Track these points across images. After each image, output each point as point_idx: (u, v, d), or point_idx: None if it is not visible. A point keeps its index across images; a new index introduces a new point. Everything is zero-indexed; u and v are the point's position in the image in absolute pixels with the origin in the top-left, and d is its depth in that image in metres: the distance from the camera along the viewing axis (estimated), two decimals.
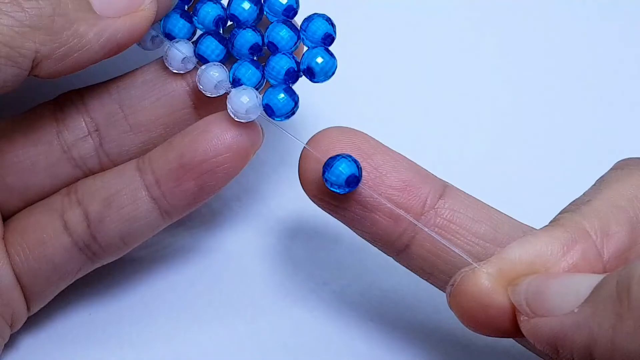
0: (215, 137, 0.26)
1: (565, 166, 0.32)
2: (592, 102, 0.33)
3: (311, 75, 0.26)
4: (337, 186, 0.24)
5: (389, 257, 0.26)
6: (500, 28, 0.34)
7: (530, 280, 0.21)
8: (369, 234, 0.26)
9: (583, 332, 0.20)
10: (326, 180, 0.25)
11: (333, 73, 0.26)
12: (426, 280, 0.26)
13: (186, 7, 0.28)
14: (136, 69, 0.28)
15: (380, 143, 0.26)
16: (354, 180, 0.24)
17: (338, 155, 0.24)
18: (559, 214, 0.23)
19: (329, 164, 0.24)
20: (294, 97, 0.26)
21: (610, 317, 0.19)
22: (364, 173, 0.24)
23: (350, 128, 0.26)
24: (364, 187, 0.25)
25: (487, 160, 0.32)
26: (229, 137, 0.26)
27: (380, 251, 0.26)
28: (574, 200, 0.23)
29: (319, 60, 0.26)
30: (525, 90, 0.33)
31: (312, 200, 0.26)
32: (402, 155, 0.26)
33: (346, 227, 0.26)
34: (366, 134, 0.26)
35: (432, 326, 0.30)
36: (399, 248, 0.26)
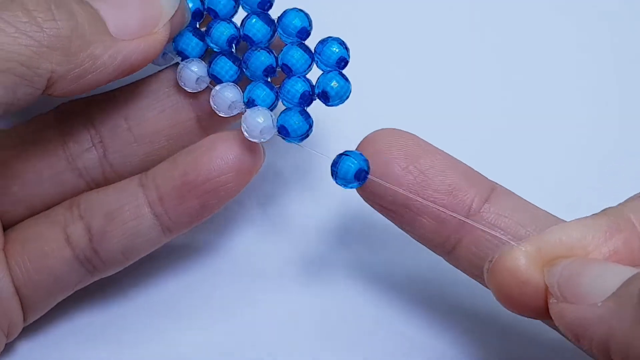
0: (219, 157, 0.26)
1: (578, 166, 0.32)
2: (607, 102, 0.33)
3: (326, 99, 0.26)
4: (345, 181, 0.25)
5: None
6: (510, 30, 0.34)
7: (566, 264, 0.21)
8: (416, 236, 0.26)
9: (603, 327, 0.20)
10: (334, 175, 0.25)
11: (347, 97, 0.26)
12: (476, 280, 0.26)
13: (197, 24, 0.28)
14: (141, 79, 0.28)
15: (430, 145, 0.26)
16: (363, 176, 0.25)
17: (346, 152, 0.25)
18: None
19: (336, 161, 0.25)
20: (308, 119, 0.26)
21: (630, 318, 0.19)
22: (410, 177, 0.25)
23: (400, 130, 0.26)
24: (408, 192, 0.25)
25: (497, 160, 0.32)
26: (232, 157, 0.26)
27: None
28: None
29: (334, 84, 0.26)
30: (536, 88, 0.33)
31: (364, 199, 0.26)
32: (451, 157, 0.26)
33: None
34: (416, 136, 0.26)
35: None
36: (446, 249, 0.26)
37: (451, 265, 0.27)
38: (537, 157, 0.32)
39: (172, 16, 0.26)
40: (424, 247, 0.26)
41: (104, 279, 0.28)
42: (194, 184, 0.26)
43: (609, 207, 0.23)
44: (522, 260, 0.22)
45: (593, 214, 0.23)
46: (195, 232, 0.30)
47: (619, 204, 0.23)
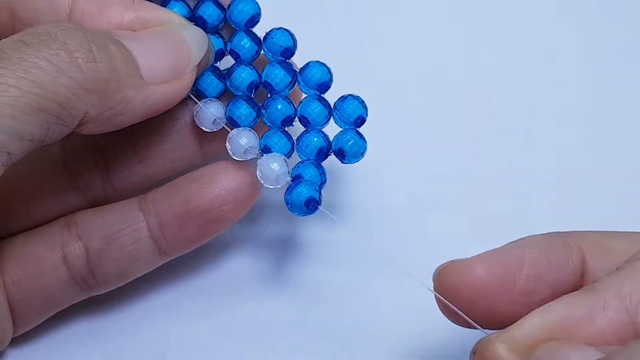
0: (222, 187, 0.27)
1: (579, 172, 0.33)
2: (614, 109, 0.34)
3: (342, 156, 0.27)
4: (297, 209, 0.26)
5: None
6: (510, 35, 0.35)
7: (543, 350, 0.21)
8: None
9: None
10: (287, 203, 0.26)
11: (363, 155, 0.27)
12: None
13: (218, 63, 0.28)
14: None
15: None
16: (314, 205, 0.26)
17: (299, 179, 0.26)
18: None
19: (290, 188, 0.26)
20: (323, 175, 0.27)
21: None
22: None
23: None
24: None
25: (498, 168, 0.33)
26: (234, 187, 0.27)
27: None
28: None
29: (352, 143, 0.27)
30: (538, 95, 0.34)
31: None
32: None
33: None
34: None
35: None
36: None
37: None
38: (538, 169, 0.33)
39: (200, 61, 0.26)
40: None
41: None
42: (195, 213, 0.27)
43: (593, 284, 0.23)
44: (500, 354, 0.22)
45: (577, 292, 0.23)
46: None
47: (604, 277, 0.23)
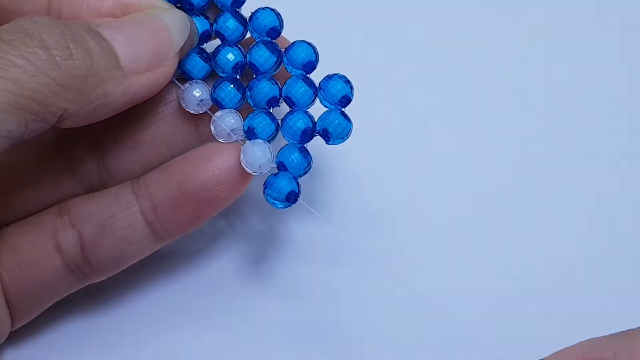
0: (216, 167, 0.27)
1: (573, 173, 0.32)
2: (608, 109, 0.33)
3: (326, 137, 0.27)
4: (278, 201, 0.26)
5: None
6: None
7: None
8: None
9: None
10: (267, 196, 0.26)
11: (348, 136, 0.27)
12: None
13: (204, 44, 0.28)
14: None
15: None
16: (293, 197, 0.26)
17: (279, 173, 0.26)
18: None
19: (269, 182, 0.26)
20: (307, 157, 0.26)
21: None
22: None
23: None
24: None
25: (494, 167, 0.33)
26: (228, 168, 0.27)
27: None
28: None
29: (335, 123, 0.26)
30: (533, 94, 0.34)
31: None
32: None
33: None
34: None
35: None
36: None
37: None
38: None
39: (182, 46, 0.26)
40: None
41: (93, 286, 0.29)
42: (190, 194, 0.27)
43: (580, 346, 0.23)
44: None
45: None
46: (186, 240, 0.31)
47: (598, 339, 0.23)
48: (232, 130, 0.26)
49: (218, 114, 0.27)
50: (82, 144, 0.28)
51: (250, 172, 0.26)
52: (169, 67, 0.25)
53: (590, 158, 0.32)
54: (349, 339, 0.30)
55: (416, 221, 0.32)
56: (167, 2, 0.26)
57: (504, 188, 0.32)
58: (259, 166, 0.26)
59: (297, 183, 0.26)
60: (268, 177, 0.26)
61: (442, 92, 0.33)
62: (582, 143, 0.33)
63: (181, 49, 0.26)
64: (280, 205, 0.26)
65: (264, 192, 0.26)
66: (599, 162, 0.32)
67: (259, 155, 0.26)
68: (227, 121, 0.26)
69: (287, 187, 0.26)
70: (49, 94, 0.22)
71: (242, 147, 0.26)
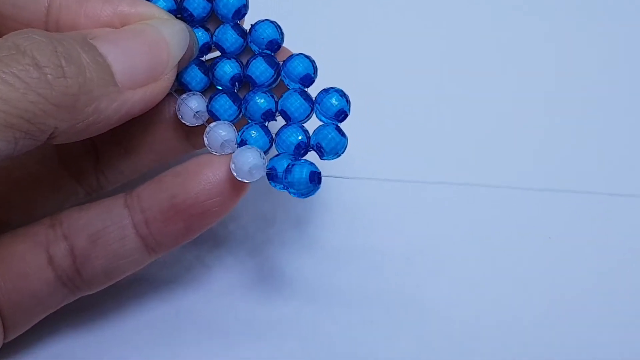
0: (207, 180, 0.26)
1: (567, 169, 0.32)
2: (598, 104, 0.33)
3: (320, 152, 0.26)
4: (304, 187, 0.25)
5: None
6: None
7: None
8: None
9: None
10: (289, 186, 0.25)
11: (343, 151, 0.26)
12: None
13: (204, 56, 0.27)
14: None
15: None
16: (318, 177, 0.25)
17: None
18: None
19: (288, 170, 0.25)
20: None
21: None
22: None
23: None
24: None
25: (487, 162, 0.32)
26: (220, 181, 0.26)
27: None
28: None
29: (329, 138, 0.26)
30: (526, 92, 0.33)
31: None
32: None
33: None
34: None
35: None
36: None
37: None
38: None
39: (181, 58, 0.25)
40: None
41: (86, 303, 0.29)
42: (181, 207, 0.26)
43: None
44: None
45: None
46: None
47: None
48: (224, 142, 0.26)
49: (212, 125, 0.26)
50: (79, 149, 0.28)
51: (241, 179, 0.25)
52: (166, 81, 0.25)
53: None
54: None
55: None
56: (167, 13, 0.26)
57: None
58: (249, 170, 0.25)
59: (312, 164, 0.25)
60: (272, 167, 0.25)
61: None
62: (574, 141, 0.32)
63: (181, 60, 0.25)
64: (306, 193, 0.25)
65: (282, 185, 0.25)
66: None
67: (249, 160, 0.25)
68: (220, 133, 0.26)
69: (308, 169, 0.25)
70: (39, 113, 0.22)
71: (232, 154, 0.26)
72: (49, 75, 0.22)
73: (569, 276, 0.31)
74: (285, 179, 0.25)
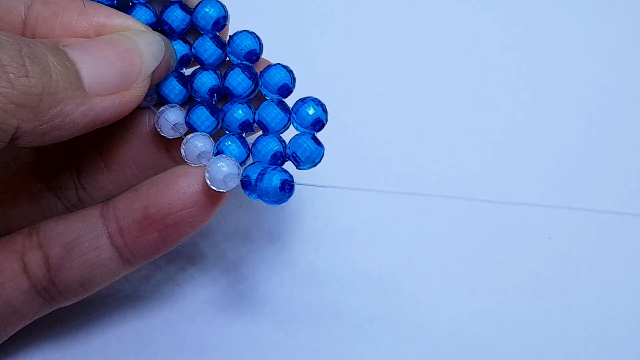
0: (181, 191, 0.26)
1: (570, 176, 0.32)
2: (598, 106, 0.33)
3: (296, 162, 0.26)
4: (273, 196, 0.24)
5: None
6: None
7: None
8: None
9: None
10: (261, 195, 0.24)
11: (319, 161, 0.25)
12: None
13: (184, 68, 0.27)
14: None
15: None
16: (289, 185, 0.24)
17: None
18: None
19: (259, 178, 0.24)
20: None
21: None
22: None
23: None
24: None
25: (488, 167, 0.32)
26: (194, 192, 0.26)
27: None
28: None
29: (304, 147, 0.25)
30: (527, 92, 0.33)
31: None
32: None
33: None
34: None
35: None
36: None
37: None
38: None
39: (156, 68, 0.25)
40: None
41: (60, 315, 0.28)
42: (155, 218, 0.26)
43: None
44: None
45: None
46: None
47: None
48: (201, 153, 0.26)
49: (189, 136, 0.26)
50: (60, 162, 0.28)
51: (215, 188, 0.25)
52: (138, 90, 0.25)
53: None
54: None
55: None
56: (144, 25, 0.26)
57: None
58: (223, 178, 0.25)
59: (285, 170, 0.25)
60: (246, 175, 0.25)
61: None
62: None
63: (157, 72, 0.25)
64: (278, 201, 0.24)
65: (255, 194, 0.25)
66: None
67: (222, 168, 0.25)
68: (196, 144, 0.26)
69: (278, 177, 0.24)
70: (0, 112, 0.22)
71: (207, 165, 0.25)
72: (10, 74, 0.22)
73: (569, 276, 0.30)
74: (256, 186, 0.24)
